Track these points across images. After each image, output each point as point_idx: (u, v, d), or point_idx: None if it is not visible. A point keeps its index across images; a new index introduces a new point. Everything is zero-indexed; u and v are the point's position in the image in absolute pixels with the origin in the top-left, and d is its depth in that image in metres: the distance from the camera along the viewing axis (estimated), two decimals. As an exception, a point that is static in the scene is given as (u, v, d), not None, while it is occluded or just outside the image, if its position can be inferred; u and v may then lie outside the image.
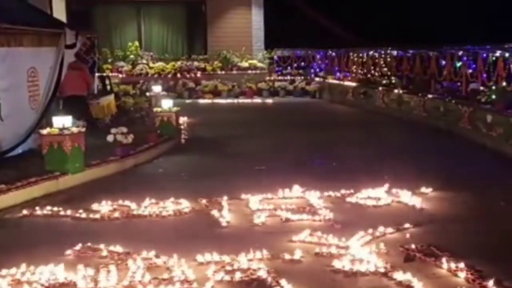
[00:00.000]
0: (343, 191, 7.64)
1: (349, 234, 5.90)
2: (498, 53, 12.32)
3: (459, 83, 13.98)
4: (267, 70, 23.44)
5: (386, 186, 7.70)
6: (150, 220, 6.76)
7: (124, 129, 9.68)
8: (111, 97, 14.53)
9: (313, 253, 5.51)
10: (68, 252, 5.57)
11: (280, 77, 23.31)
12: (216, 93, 21.97)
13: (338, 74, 21.32)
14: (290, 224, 6.48)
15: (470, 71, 13.56)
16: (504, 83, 11.82)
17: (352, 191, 7.64)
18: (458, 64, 14.02)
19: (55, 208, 7.07)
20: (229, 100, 21.35)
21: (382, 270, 5.05)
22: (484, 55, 12.88)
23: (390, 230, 6.11)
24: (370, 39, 21.14)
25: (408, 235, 6.02)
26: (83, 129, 8.71)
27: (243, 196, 7.45)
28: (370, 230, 6.00)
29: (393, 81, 17.25)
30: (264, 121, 15.97)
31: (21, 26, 9.52)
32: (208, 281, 4.82)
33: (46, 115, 9.85)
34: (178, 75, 22.61)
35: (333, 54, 22.34)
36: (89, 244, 5.72)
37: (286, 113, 17.92)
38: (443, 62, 14.58)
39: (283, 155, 10.72)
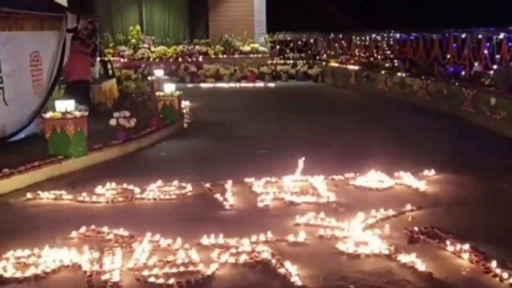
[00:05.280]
0: (346, 174, 7.64)
1: (353, 216, 5.91)
2: (502, 35, 12.24)
3: (462, 66, 13.91)
4: (269, 54, 23.36)
5: (389, 169, 7.68)
6: (154, 204, 6.77)
7: (127, 113, 9.69)
8: (113, 81, 14.53)
9: (317, 235, 5.52)
10: (73, 235, 5.59)
11: (282, 61, 23.24)
12: (218, 77, 21.94)
13: (340, 57, 21.23)
14: (294, 207, 6.48)
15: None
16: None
17: (355, 174, 7.64)
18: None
19: (59, 192, 7.08)
20: (231, 84, 21.31)
21: (386, 252, 5.06)
22: (488, 37, 12.81)
23: (393, 212, 6.11)
24: (371, 23, 21.00)
25: (411, 218, 6.03)
26: (86, 113, 8.70)
27: (247, 179, 7.45)
28: (374, 213, 6.01)
29: (396, 65, 17.19)
30: (266, 105, 15.94)
31: (22, 10, 9.46)
32: (212, 263, 4.83)
33: (48, 100, 9.83)
34: (180, 59, 22.55)
35: (336, 37, 22.24)
36: (93, 227, 5.74)
37: (288, 97, 17.87)
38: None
39: (286, 139, 10.71)
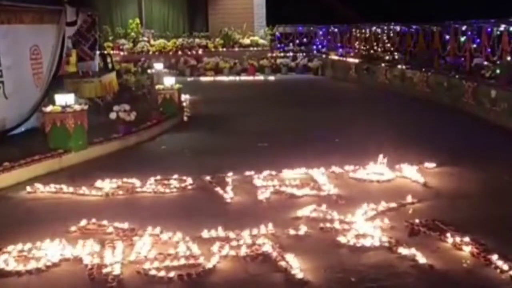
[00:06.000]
0: (347, 167, 7.63)
1: (354, 209, 5.91)
2: (502, 27, 12.21)
3: (462, 58, 13.88)
4: (269, 47, 23.30)
5: (390, 161, 7.68)
6: (154, 197, 6.77)
7: (127, 107, 9.67)
8: (113, 75, 14.47)
9: (317, 228, 5.52)
10: (73, 228, 5.59)
11: (282, 54, 23.18)
12: (217, 71, 21.90)
13: (340, 50, 21.18)
14: (294, 200, 6.48)
15: (474, 45, 13.45)
16: (508, 58, 11.73)
17: (356, 166, 7.63)
18: (462, 38, 13.90)
19: (59, 186, 7.07)
20: (231, 78, 21.27)
21: (386, 244, 5.06)
22: (489, 29, 12.77)
23: (394, 205, 6.11)
24: (372, 16, 20.94)
25: (412, 210, 6.03)
26: (86, 107, 8.69)
27: (247, 172, 7.45)
28: (374, 205, 6.01)
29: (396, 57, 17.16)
30: (266, 98, 15.91)
31: (21, 3, 9.44)
32: (213, 256, 4.83)
33: (49, 93, 9.81)
34: (180, 52, 22.51)
35: (335, 30, 22.18)
36: (93, 220, 5.73)
37: (288, 90, 17.83)
38: (447, 37, 14.40)
39: (286, 131, 10.70)
